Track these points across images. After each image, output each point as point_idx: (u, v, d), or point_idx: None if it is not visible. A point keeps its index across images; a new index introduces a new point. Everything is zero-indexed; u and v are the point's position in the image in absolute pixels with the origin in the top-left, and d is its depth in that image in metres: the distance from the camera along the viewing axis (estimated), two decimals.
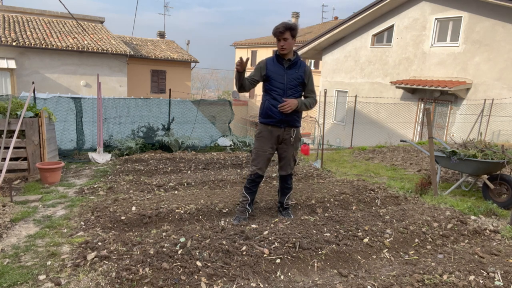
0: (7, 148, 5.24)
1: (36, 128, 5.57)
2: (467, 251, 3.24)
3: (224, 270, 2.72)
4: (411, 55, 14.39)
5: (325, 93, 8.61)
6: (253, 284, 2.63)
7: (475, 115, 11.98)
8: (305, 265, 2.93)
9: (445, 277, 2.68)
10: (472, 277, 2.68)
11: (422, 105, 14.08)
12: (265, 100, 3.77)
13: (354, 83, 16.68)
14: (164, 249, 2.91)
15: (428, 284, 2.60)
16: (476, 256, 3.11)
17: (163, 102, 9.47)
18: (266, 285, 2.65)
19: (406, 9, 14.45)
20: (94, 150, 7.79)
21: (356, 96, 12.35)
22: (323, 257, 3.00)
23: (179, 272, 2.66)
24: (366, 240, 3.27)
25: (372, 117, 15.08)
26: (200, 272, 2.67)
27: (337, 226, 3.53)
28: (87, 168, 6.60)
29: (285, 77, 3.69)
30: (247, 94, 30.67)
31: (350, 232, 3.37)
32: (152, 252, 2.89)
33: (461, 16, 12.76)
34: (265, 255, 2.92)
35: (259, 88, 4.55)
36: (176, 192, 4.89)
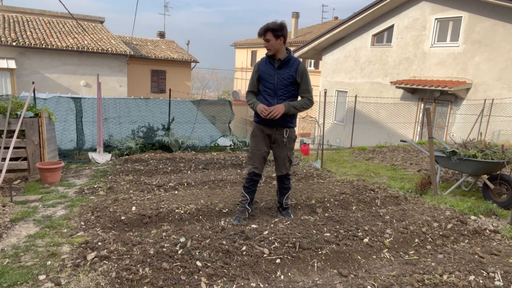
0: (7, 148, 5.24)
1: (36, 128, 5.57)
2: (467, 251, 3.24)
3: (224, 270, 2.72)
4: (411, 55, 14.39)
5: (325, 93, 8.61)
6: (253, 284, 2.63)
7: (475, 115, 11.98)
8: (305, 265, 2.93)
9: (445, 277, 2.68)
10: (472, 277, 2.68)
11: (422, 105, 14.09)
12: (259, 100, 3.78)
13: (354, 83, 16.68)
14: (164, 249, 2.91)
15: (428, 284, 2.60)
16: (476, 256, 3.11)
17: (163, 102, 9.47)
18: (266, 285, 2.65)
19: (406, 9, 14.46)
20: (94, 150, 7.79)
21: (356, 96, 12.35)
22: (323, 257, 3.00)
23: (179, 272, 2.66)
24: (366, 240, 3.27)
25: (372, 117, 15.08)
26: (200, 272, 2.67)
27: (337, 226, 3.53)
28: (87, 168, 6.60)
29: (275, 77, 3.64)
30: None
31: (350, 232, 3.37)
32: (152, 252, 2.89)
33: (461, 16, 12.76)
34: (265, 255, 2.92)
35: None
36: (176, 192, 4.89)
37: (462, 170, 5.00)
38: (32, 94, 7.09)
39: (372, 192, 4.97)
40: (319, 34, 17.45)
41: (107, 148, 7.93)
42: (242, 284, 2.62)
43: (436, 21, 13.56)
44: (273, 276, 2.78)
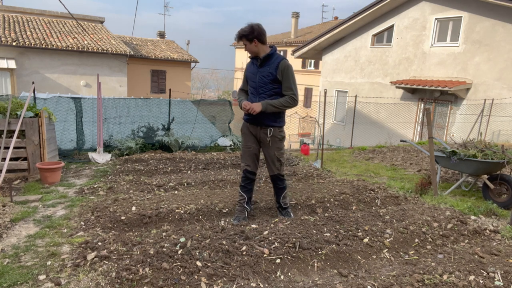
0: (7, 148, 5.24)
1: (36, 128, 5.57)
2: (467, 251, 3.24)
3: (224, 270, 2.72)
4: (411, 55, 14.39)
5: (325, 93, 8.61)
6: (253, 284, 2.63)
7: (475, 115, 11.98)
8: (305, 265, 2.93)
9: (445, 277, 2.68)
10: (472, 277, 2.68)
11: (422, 105, 14.09)
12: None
13: (354, 83, 16.68)
14: (164, 249, 2.91)
15: (428, 284, 2.60)
16: (476, 256, 3.11)
17: (163, 102, 9.47)
18: (266, 285, 2.65)
19: (406, 9, 14.46)
20: (94, 150, 7.79)
21: (356, 96, 12.35)
22: (323, 257, 3.00)
23: (179, 272, 2.66)
24: (366, 240, 3.27)
25: (372, 117, 15.08)
26: (200, 272, 2.67)
27: (337, 226, 3.52)
28: (87, 168, 6.60)
29: (257, 76, 3.66)
30: None
31: (350, 232, 3.37)
32: (152, 252, 2.89)
33: (461, 16, 12.76)
34: (265, 255, 2.92)
35: None
36: (176, 192, 4.89)
37: (462, 170, 5.00)
38: (32, 94, 7.09)
39: (372, 192, 4.97)
40: (319, 34, 17.45)
41: (107, 148, 7.93)
42: (242, 284, 2.62)
43: (436, 21, 13.56)
44: (273, 276, 2.78)
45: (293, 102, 3.63)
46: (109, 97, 9.66)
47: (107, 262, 2.85)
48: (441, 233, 3.54)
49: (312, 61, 25.98)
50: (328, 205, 4.47)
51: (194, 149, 8.56)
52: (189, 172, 6.28)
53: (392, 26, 15.01)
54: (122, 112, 9.06)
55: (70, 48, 17.07)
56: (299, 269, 2.89)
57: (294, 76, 3.66)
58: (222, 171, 6.29)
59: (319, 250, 3.05)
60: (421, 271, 2.77)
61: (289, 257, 2.95)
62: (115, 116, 8.90)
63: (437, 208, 4.20)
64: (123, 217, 3.81)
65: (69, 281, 2.65)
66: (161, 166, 6.50)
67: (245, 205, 3.91)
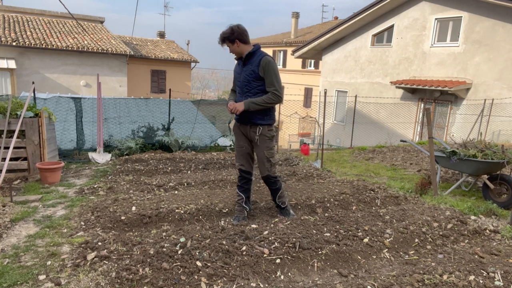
0: (7, 148, 5.24)
1: (36, 128, 5.57)
2: (467, 251, 3.24)
3: (224, 270, 2.72)
4: (411, 55, 14.39)
5: (325, 93, 8.61)
6: (253, 284, 2.63)
7: (475, 115, 11.98)
8: (305, 265, 2.93)
9: (445, 277, 2.67)
10: (472, 277, 2.68)
11: (422, 105, 14.09)
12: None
13: (354, 83, 16.68)
14: (164, 249, 2.91)
15: (428, 284, 2.60)
16: (476, 256, 3.11)
17: (163, 102, 9.47)
18: (266, 285, 2.65)
19: (406, 9, 14.45)
20: (94, 150, 7.79)
21: (356, 96, 12.35)
22: (323, 257, 3.00)
23: (179, 272, 2.66)
24: (366, 240, 3.27)
25: (372, 117, 15.08)
26: (200, 272, 2.67)
27: (337, 226, 3.52)
28: (87, 168, 6.60)
29: (241, 75, 3.69)
30: None
31: (350, 232, 3.37)
32: (152, 252, 2.89)
33: (461, 16, 12.76)
34: (265, 255, 2.92)
35: None
36: (176, 192, 4.89)
37: (462, 170, 5.00)
38: (32, 94, 7.09)
39: (372, 192, 4.97)
40: (319, 34, 17.45)
41: (107, 148, 7.93)
42: (242, 284, 2.62)
43: (436, 21, 13.56)
44: (273, 276, 2.78)
45: (276, 98, 3.59)
46: (109, 97, 9.67)
47: (107, 262, 2.85)
48: (441, 233, 3.54)
49: (312, 61, 25.96)
50: (328, 205, 4.47)
51: (194, 149, 8.56)
52: (189, 172, 6.28)
53: (392, 26, 15.01)
54: (122, 112, 9.06)
55: (70, 48, 17.07)
56: (299, 269, 2.89)
57: (277, 71, 3.61)
58: (222, 171, 6.29)
59: (319, 250, 3.05)
60: (421, 271, 2.77)
61: (289, 257, 2.95)
62: (115, 116, 8.90)
63: (437, 208, 4.20)
64: (123, 217, 3.81)
65: (69, 281, 2.65)
66: (161, 166, 6.50)
67: (244, 205, 3.90)
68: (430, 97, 13.71)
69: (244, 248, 2.97)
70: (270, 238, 3.15)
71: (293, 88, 25.54)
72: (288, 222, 3.59)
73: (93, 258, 2.90)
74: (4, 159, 5.13)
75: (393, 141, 11.20)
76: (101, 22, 22.09)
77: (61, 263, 2.92)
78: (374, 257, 3.13)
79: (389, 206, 4.49)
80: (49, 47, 16.63)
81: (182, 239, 3.11)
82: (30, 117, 5.59)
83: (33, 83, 6.97)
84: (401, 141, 6.17)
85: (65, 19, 20.25)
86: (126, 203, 4.26)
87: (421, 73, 14.07)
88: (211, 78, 58.14)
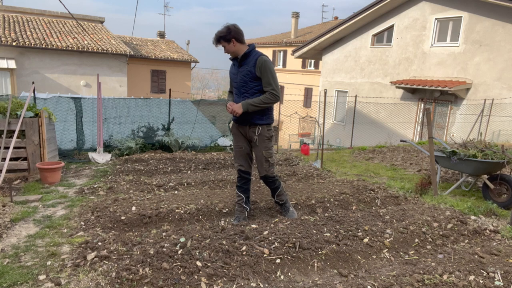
0: (7, 148, 5.24)
1: (36, 128, 5.57)
2: (467, 251, 3.24)
3: (224, 270, 2.72)
4: (411, 55, 14.39)
5: (325, 93, 8.61)
6: (253, 284, 2.63)
7: (475, 115, 11.98)
8: (305, 265, 2.93)
9: (445, 277, 2.67)
10: (472, 277, 2.68)
11: (422, 105, 14.09)
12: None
13: (354, 83, 16.68)
14: (164, 249, 2.91)
15: (428, 284, 2.60)
16: (476, 256, 3.10)
17: (163, 102, 9.47)
18: (266, 285, 2.65)
19: (406, 9, 14.45)
20: (94, 150, 7.79)
21: (356, 96, 12.35)
22: (323, 257, 3.00)
23: (179, 272, 2.66)
24: (366, 240, 3.27)
25: (372, 117, 15.08)
26: (200, 272, 2.67)
27: (337, 226, 3.52)
28: (87, 168, 6.60)
29: (238, 76, 3.67)
30: None
31: (350, 232, 3.37)
32: (152, 252, 2.89)
33: (461, 16, 12.76)
34: (265, 255, 2.92)
35: None
36: (176, 192, 4.89)
37: (462, 170, 5.00)
38: (32, 94, 7.09)
39: (372, 192, 4.97)
40: (319, 34, 17.45)
41: (107, 148, 7.93)
42: (242, 284, 2.62)
43: (436, 21, 13.56)
44: (273, 276, 2.78)
45: (274, 98, 3.58)
46: (109, 97, 9.66)
47: (107, 262, 2.85)
48: (441, 233, 3.54)
49: (312, 61, 25.96)
50: (328, 205, 4.47)
51: (194, 149, 8.56)
52: (189, 172, 6.28)
53: (392, 26, 15.01)
54: (122, 112, 9.06)
55: (70, 48, 17.07)
56: (299, 269, 2.89)
57: (273, 71, 3.60)
58: (222, 171, 6.29)
59: (319, 250, 3.05)
60: (421, 271, 2.76)
61: (289, 257, 2.95)
62: (115, 116, 8.90)
63: (437, 208, 4.20)
64: (123, 217, 3.81)
65: (69, 281, 2.65)
66: (161, 166, 6.50)
67: (244, 205, 3.91)
68: (430, 97, 13.71)
69: (244, 248, 2.97)
70: (270, 238, 3.15)
71: (293, 88, 25.54)
72: (288, 222, 3.59)
73: (93, 258, 2.90)
74: (4, 159, 5.13)
75: (393, 141, 11.20)
76: (101, 22, 22.08)
77: (61, 263, 2.92)
78: (374, 257, 3.13)
79: (389, 206, 4.49)
80: (49, 47, 16.63)
81: (182, 239, 3.11)
82: (30, 117, 5.59)
83: (33, 83, 6.97)
84: (401, 141, 6.16)
85: (65, 19, 20.25)
86: (126, 203, 4.26)
87: (421, 73, 14.07)
88: (211, 78, 58.16)
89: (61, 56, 17.33)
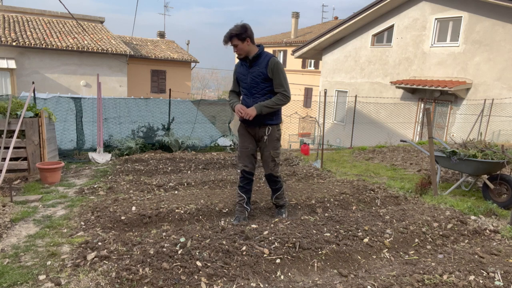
0: (7, 148, 5.24)
1: (36, 128, 5.57)
2: (467, 251, 3.24)
3: (224, 270, 2.72)
4: (411, 55, 14.39)
5: (325, 93, 8.60)
6: (253, 284, 2.63)
7: (475, 115, 11.98)
8: (305, 265, 2.93)
9: (445, 277, 2.67)
10: (472, 277, 2.68)
11: (422, 105, 14.09)
12: (240, 100, 3.85)
13: (354, 83, 16.68)
14: (164, 249, 2.91)
15: (428, 284, 2.60)
16: (476, 256, 3.10)
17: (163, 102, 9.47)
18: (266, 285, 2.65)
19: (406, 9, 14.45)
20: (94, 150, 7.79)
21: (356, 96, 12.35)
22: (323, 257, 3.00)
23: (179, 272, 2.66)
24: (366, 240, 3.27)
25: (372, 117, 15.08)
26: (200, 272, 2.67)
27: (337, 226, 3.52)
28: (87, 168, 6.60)
29: (248, 77, 3.66)
30: None
31: (350, 232, 3.37)
32: (152, 252, 2.89)
33: (461, 16, 12.76)
34: (265, 255, 2.92)
35: None
36: (176, 192, 4.89)
37: (462, 170, 5.00)
38: (32, 94, 7.09)
39: (372, 192, 4.97)
40: (319, 34, 17.45)
41: (107, 148, 7.93)
42: (242, 284, 2.62)
43: (436, 21, 13.56)
44: (273, 276, 2.78)
45: (286, 99, 3.63)
46: (109, 97, 9.66)
47: (107, 262, 2.85)
48: (441, 233, 3.54)
49: (312, 61, 25.97)
50: (328, 205, 4.47)
51: (194, 149, 8.56)
52: (189, 172, 6.28)
53: (392, 26, 15.01)
54: (122, 112, 9.06)
55: (70, 48, 17.07)
56: (299, 269, 2.89)
57: (284, 72, 3.64)
58: (222, 171, 6.29)
59: (319, 250, 3.05)
60: (421, 271, 2.77)
61: (289, 257, 2.95)
62: (115, 116, 8.90)
63: (437, 208, 4.20)
64: (123, 217, 3.81)
65: (69, 281, 2.65)
66: (161, 166, 6.50)
67: (245, 205, 3.91)
68: (430, 97, 13.71)
69: (244, 248, 2.97)
70: (270, 238, 3.15)
71: (293, 88, 25.41)
72: (288, 222, 3.59)
73: (93, 258, 2.90)
74: (4, 159, 5.13)
75: (393, 141, 11.20)
76: (101, 22, 22.08)
77: (61, 263, 2.92)
78: (374, 257, 3.13)
79: (389, 206, 4.49)
80: (49, 47, 16.63)
81: (182, 239, 3.11)
82: (30, 117, 5.59)
83: (33, 83, 6.97)
84: (401, 141, 6.16)
85: (65, 19, 20.25)
86: (126, 203, 4.26)
87: (421, 73, 14.07)
88: (211, 78, 58.13)
89: (61, 56, 17.33)
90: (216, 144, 9.34)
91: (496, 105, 11.79)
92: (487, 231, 3.68)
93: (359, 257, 3.08)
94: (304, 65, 26.93)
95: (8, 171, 5.23)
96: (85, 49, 17.37)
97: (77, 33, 18.89)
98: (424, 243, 3.39)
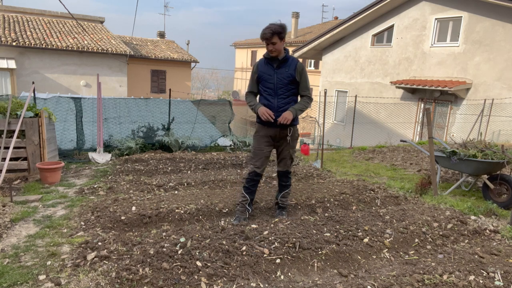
0: (7, 148, 5.24)
1: (36, 128, 5.57)
2: (467, 251, 3.24)
3: (224, 270, 2.72)
4: (411, 55, 14.39)
5: (325, 93, 8.60)
6: (253, 284, 2.63)
7: (475, 115, 11.98)
8: (305, 265, 2.93)
9: (445, 277, 2.67)
10: (472, 277, 2.68)
11: (422, 105, 14.09)
12: (259, 101, 3.82)
13: (354, 83, 16.68)
14: (164, 249, 2.91)
15: (428, 284, 2.60)
16: (476, 256, 3.11)
17: (163, 102, 9.46)
18: (266, 285, 2.65)
19: (406, 9, 14.46)
20: (94, 150, 7.79)
21: (356, 96, 12.35)
22: (323, 257, 3.00)
23: (179, 272, 2.66)
24: (366, 240, 3.27)
25: (372, 117, 15.08)
26: (200, 272, 2.67)
27: (337, 226, 3.52)
28: (87, 168, 6.60)
29: (275, 77, 3.68)
30: None
31: (350, 232, 3.37)
32: (152, 252, 2.89)
33: (461, 16, 12.76)
34: (265, 255, 2.92)
35: None
36: (176, 192, 4.89)
37: (462, 170, 5.00)
38: (32, 94, 7.09)
39: (372, 192, 4.97)
40: (319, 34, 17.45)
41: (107, 148, 7.93)
42: (242, 284, 2.62)
43: (436, 21, 13.56)
44: (273, 276, 2.78)
45: (311, 102, 3.84)
46: (109, 97, 9.65)
47: (107, 262, 2.85)
48: (441, 233, 3.54)
49: (312, 61, 25.97)
50: (328, 205, 4.47)
51: (194, 149, 8.56)
52: (189, 172, 6.28)
53: (392, 26, 15.01)
54: (122, 112, 9.05)
55: (70, 48, 17.07)
56: (299, 269, 2.89)
57: (308, 77, 3.83)
58: (222, 171, 6.29)
59: (319, 250, 3.05)
60: (421, 271, 2.77)
61: (289, 257, 2.95)
62: (115, 116, 8.89)
63: (437, 208, 4.20)
64: (123, 217, 3.81)
65: (69, 281, 2.64)
66: (161, 166, 6.50)
67: (247, 206, 3.91)
68: (430, 97, 13.71)
69: (244, 248, 2.97)
70: (270, 238, 3.15)
71: None
72: (288, 222, 3.59)
73: (93, 258, 2.90)
74: (4, 159, 5.13)
75: (393, 141, 11.20)
76: (101, 22, 22.08)
77: (61, 263, 2.92)
78: (374, 257, 3.13)
79: (389, 206, 4.49)
80: (49, 47, 16.63)
81: (182, 239, 3.11)
82: (30, 117, 5.59)
83: (33, 83, 6.97)
84: (401, 141, 6.16)
85: (65, 19, 20.25)
86: (126, 203, 4.26)
87: (421, 73, 14.07)
88: (211, 78, 58.10)
89: (61, 56, 17.33)
90: (216, 144, 9.34)
91: (496, 105, 11.79)
92: (487, 231, 3.68)
93: (359, 257, 3.08)
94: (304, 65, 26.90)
95: (8, 171, 5.23)
96: (85, 49, 17.37)
97: (77, 33, 18.89)
98: (424, 243, 3.39)
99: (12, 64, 15.51)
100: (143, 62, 22.16)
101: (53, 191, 5.03)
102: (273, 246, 3.04)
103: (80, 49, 17.26)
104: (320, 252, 3.03)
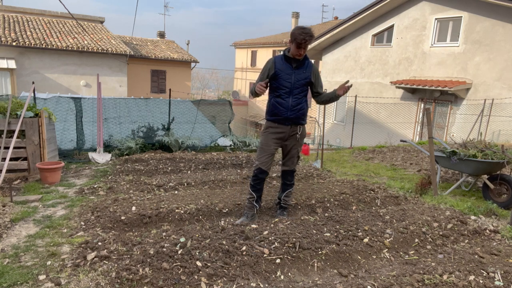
0: (7, 148, 5.24)
1: (36, 128, 5.57)
2: (467, 251, 3.24)
3: (224, 270, 2.72)
4: (411, 55, 14.39)
5: None
6: (253, 284, 2.63)
7: (475, 115, 11.98)
8: (305, 265, 2.93)
9: (445, 277, 2.68)
10: (472, 277, 2.68)
11: (422, 105, 14.09)
12: (271, 98, 3.80)
13: (354, 83, 16.67)
14: (164, 249, 2.91)
15: (428, 284, 2.60)
16: (476, 256, 3.11)
17: (163, 102, 9.46)
18: (266, 285, 2.65)
19: (406, 9, 14.46)
20: (94, 150, 7.79)
21: (356, 96, 12.35)
22: (323, 257, 3.00)
23: (179, 272, 2.66)
24: (366, 240, 3.27)
25: (372, 117, 15.08)
26: (200, 272, 2.67)
27: (337, 226, 3.52)
28: (87, 168, 6.60)
29: (293, 77, 3.72)
30: (246, 94, 30.68)
31: (350, 232, 3.37)
32: (152, 252, 2.89)
33: (461, 16, 12.76)
34: (265, 255, 2.92)
35: None
36: (176, 192, 4.89)
37: (462, 170, 5.00)
38: (32, 94, 7.09)
39: (372, 192, 4.97)
40: (319, 34, 17.44)
41: (107, 148, 7.93)
42: (242, 284, 2.62)
43: (436, 21, 13.56)
44: (273, 276, 2.78)
45: None
46: (109, 97, 9.65)
47: (107, 262, 2.85)
48: (441, 233, 3.54)
49: (312, 61, 25.95)
50: (328, 205, 4.47)
51: (194, 149, 8.56)
52: (189, 172, 6.28)
53: (392, 26, 15.01)
54: (122, 112, 9.05)
55: (70, 48, 17.07)
56: (299, 269, 2.89)
57: None
58: (222, 171, 6.29)
59: (319, 250, 3.05)
60: (421, 271, 2.77)
61: (289, 257, 2.95)
62: (115, 116, 8.89)
63: (437, 208, 4.20)
64: (123, 217, 3.81)
65: (69, 281, 2.65)
66: (161, 166, 6.50)
67: (255, 203, 3.91)
68: (430, 97, 13.71)
69: (244, 248, 2.97)
70: (270, 238, 3.15)
71: None
72: (288, 222, 3.59)
73: (93, 258, 2.90)
74: (4, 159, 5.13)
75: (393, 141, 11.20)
76: (101, 22, 22.08)
77: (61, 263, 2.92)
78: (374, 257, 3.13)
79: (389, 206, 4.49)
80: (49, 47, 16.62)
81: (182, 239, 3.11)
82: (30, 117, 5.59)
83: (33, 83, 6.97)
84: (401, 141, 6.16)
85: (65, 19, 20.25)
86: (126, 203, 4.26)
87: (421, 73, 14.07)
88: (211, 78, 58.09)
89: (61, 56, 17.33)
90: (216, 144, 9.34)
91: (496, 105, 11.79)
92: (487, 231, 3.68)
93: (359, 257, 3.08)
94: None
95: (8, 171, 5.23)
96: (85, 49, 17.37)
97: (77, 33, 18.89)
98: (424, 243, 3.39)
99: (12, 64, 15.51)
100: (143, 62, 22.16)
101: (53, 191, 5.03)
102: (273, 246, 3.04)
103: (80, 49, 17.26)
104: (320, 252, 3.03)
